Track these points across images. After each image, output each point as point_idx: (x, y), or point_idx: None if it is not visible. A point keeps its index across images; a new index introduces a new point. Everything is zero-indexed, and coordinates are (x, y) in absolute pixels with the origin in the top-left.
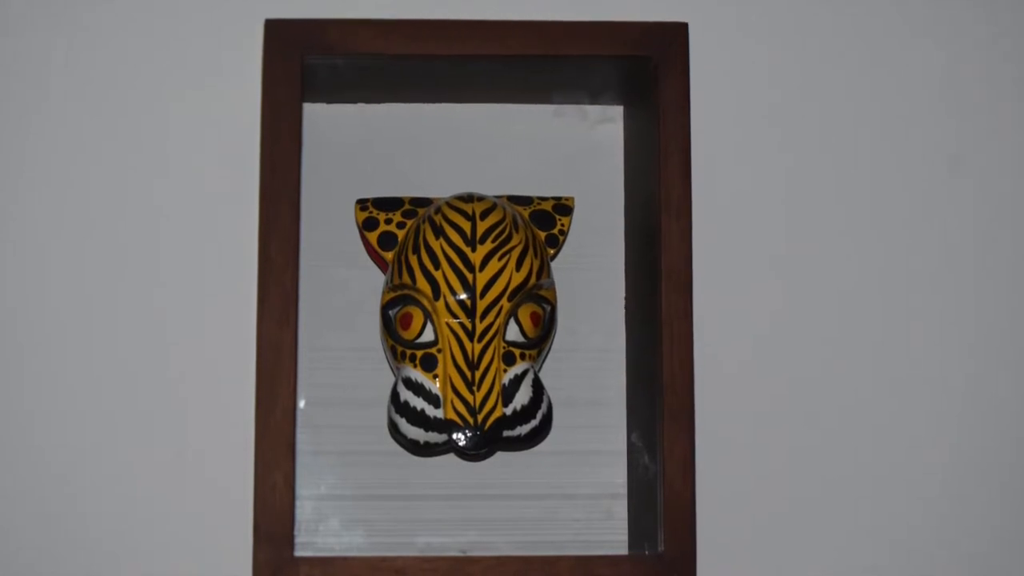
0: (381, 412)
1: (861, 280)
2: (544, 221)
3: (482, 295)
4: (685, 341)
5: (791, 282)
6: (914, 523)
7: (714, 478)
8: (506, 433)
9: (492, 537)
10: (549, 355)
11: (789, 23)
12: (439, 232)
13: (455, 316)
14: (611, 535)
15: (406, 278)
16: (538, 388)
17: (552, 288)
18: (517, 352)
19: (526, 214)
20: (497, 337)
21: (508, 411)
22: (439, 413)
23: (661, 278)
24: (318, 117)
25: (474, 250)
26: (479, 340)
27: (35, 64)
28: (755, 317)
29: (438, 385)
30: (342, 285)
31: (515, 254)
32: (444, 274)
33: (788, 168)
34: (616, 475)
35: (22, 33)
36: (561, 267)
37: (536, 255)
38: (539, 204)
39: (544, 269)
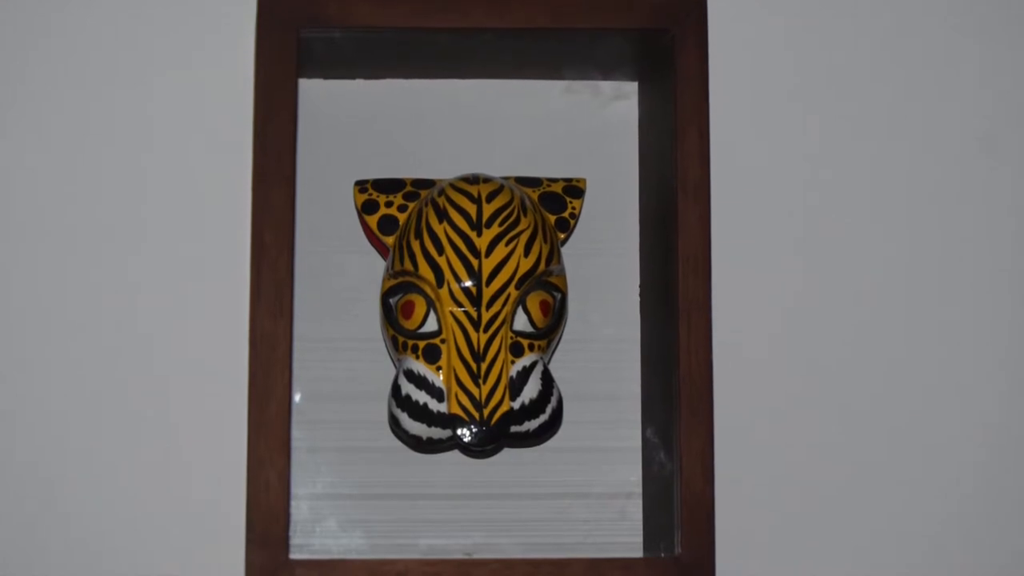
0: (381, 407)
1: (888, 265)
2: (554, 204)
3: (488, 282)
4: (703, 330)
5: (815, 267)
6: (945, 523)
7: (734, 476)
8: (513, 428)
9: (499, 539)
10: (559, 346)
11: None
12: (443, 215)
13: (460, 304)
14: (625, 536)
15: (408, 264)
16: (547, 381)
17: (562, 275)
18: (525, 343)
19: (535, 196)
20: (504, 327)
21: (516, 405)
22: (443, 407)
23: (678, 263)
24: (314, 94)
25: (480, 234)
26: (485, 330)
27: (22, 39)
28: (777, 304)
29: (442, 378)
30: (340, 272)
31: (523, 239)
32: (448, 260)
33: (811, 147)
34: (630, 473)
35: (7, 6)
36: (572, 252)
37: (545, 240)
38: (549, 186)
39: (554, 255)
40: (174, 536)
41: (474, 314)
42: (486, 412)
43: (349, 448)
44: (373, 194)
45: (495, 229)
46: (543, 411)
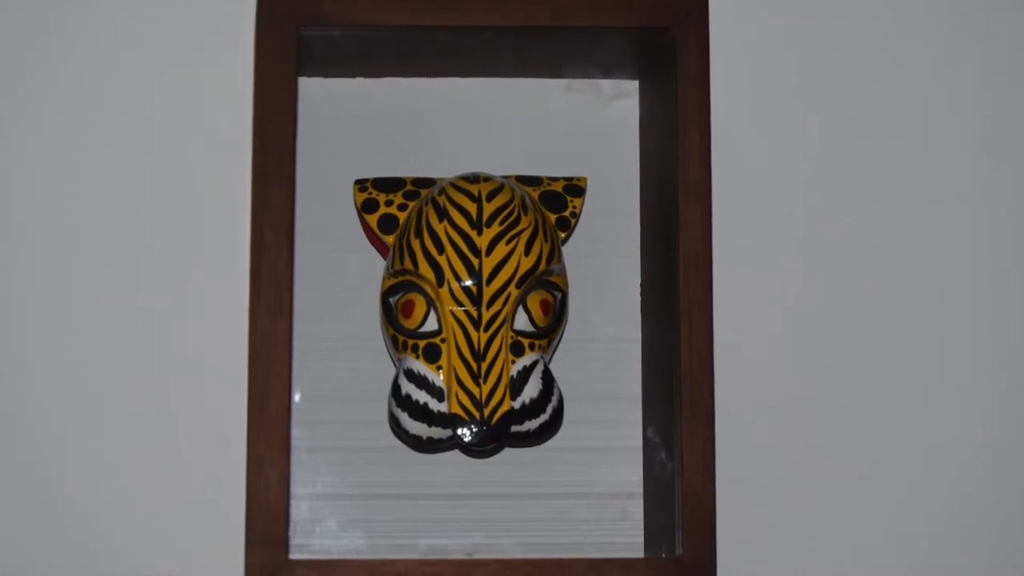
0: (381, 407)
1: (888, 265)
2: (554, 203)
3: (488, 281)
4: (704, 330)
5: (816, 267)
6: (945, 523)
7: (735, 476)
8: (514, 428)
9: (499, 539)
10: (560, 345)
11: None
12: (443, 214)
13: (460, 304)
14: (626, 537)
15: (408, 263)
16: (548, 380)
17: (563, 274)
18: (526, 342)
19: (535, 195)
20: (505, 326)
21: (516, 405)
22: (443, 407)
23: (679, 263)
24: (314, 92)
25: (480, 233)
26: (485, 329)
27: (22, 39)
28: (778, 304)
29: (442, 377)
30: (340, 271)
31: (524, 238)
32: (448, 259)
33: (812, 147)
34: (631, 473)
35: (7, 6)
36: (573, 252)
37: (546, 239)
38: (549, 185)
39: (555, 254)
40: (174, 536)
41: (474, 313)
42: (486, 412)
43: (349, 448)
44: (373, 193)
45: (495, 228)
46: (544, 411)
